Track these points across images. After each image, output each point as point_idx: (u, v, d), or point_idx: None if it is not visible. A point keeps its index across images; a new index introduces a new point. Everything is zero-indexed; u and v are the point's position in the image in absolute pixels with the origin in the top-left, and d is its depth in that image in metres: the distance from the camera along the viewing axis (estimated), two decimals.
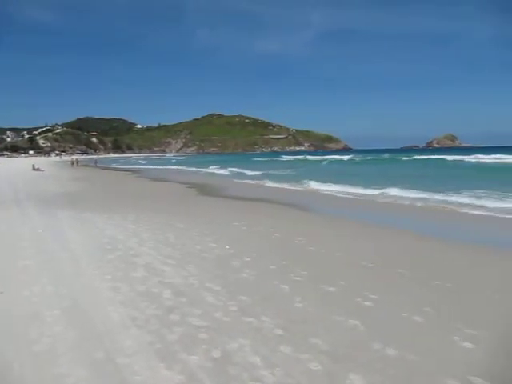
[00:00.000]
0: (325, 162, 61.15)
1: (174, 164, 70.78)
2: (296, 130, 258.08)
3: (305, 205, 16.50)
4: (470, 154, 62.72)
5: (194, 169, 52.19)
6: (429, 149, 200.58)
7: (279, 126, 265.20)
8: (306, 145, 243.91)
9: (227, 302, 5.55)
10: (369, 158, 72.18)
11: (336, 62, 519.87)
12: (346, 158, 74.28)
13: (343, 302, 5.63)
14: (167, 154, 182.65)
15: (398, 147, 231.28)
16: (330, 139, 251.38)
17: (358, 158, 66.05)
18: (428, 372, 3.89)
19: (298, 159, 78.60)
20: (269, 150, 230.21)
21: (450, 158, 58.45)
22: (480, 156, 57.07)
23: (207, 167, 52.76)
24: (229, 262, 7.51)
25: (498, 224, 11.93)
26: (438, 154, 73.43)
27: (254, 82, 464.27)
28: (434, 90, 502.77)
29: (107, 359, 4.15)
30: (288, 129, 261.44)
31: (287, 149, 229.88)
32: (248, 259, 7.71)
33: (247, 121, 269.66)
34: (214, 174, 41.64)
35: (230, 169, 45.75)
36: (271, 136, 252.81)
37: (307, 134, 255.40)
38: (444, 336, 4.61)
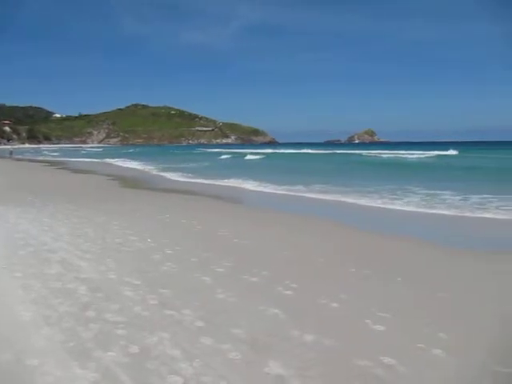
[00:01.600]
0: (225, 156, 58.46)
1: (85, 156, 65.18)
2: (223, 123, 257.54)
3: (228, 197, 16.56)
4: (381, 149, 67.01)
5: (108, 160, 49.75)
6: (351, 143, 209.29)
7: (206, 118, 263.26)
8: (232, 138, 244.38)
9: (147, 296, 5.42)
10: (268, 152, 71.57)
11: (263, 56, 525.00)
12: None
13: (265, 291, 5.72)
14: (83, 145, 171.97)
15: (322, 141, 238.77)
16: (256, 132, 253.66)
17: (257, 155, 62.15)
18: (343, 355, 4.05)
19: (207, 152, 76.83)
20: (195, 142, 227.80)
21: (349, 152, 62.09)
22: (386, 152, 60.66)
23: (116, 159, 50.73)
24: (150, 256, 7.33)
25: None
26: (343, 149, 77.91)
27: (180, 72, 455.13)
28: (358, 85, 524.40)
29: (15, 361, 3.88)
30: (215, 121, 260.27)
31: (214, 141, 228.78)
32: (170, 252, 7.59)
33: (173, 112, 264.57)
34: (115, 166, 39.77)
35: (133, 161, 44.54)
36: (198, 128, 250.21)
37: (234, 127, 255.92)
38: (358, 320, 4.83)
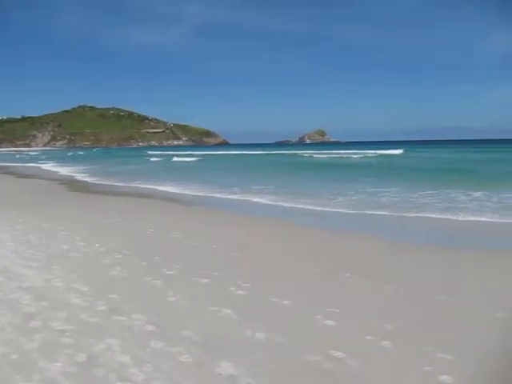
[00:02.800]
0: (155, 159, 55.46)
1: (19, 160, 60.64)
2: (174, 124, 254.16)
3: (175, 199, 16.38)
4: (327, 149, 68.57)
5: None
6: (301, 143, 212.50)
7: (156, 119, 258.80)
8: (184, 139, 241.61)
9: (95, 302, 5.26)
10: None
11: (214, 56, 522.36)
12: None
13: (217, 292, 5.70)
14: (24, 149, 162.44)
15: (274, 141, 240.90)
16: (208, 134, 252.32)
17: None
18: (294, 351, 4.10)
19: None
20: (146, 144, 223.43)
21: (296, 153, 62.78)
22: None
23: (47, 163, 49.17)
24: (98, 261, 7.13)
25: None
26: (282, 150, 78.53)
27: (130, 73, 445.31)
28: (309, 86, 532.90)
29: None
30: (165, 123, 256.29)
31: (165, 143, 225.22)
32: (119, 256, 7.41)
33: (122, 114, 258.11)
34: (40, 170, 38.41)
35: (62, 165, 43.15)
36: (148, 130, 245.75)
37: (185, 129, 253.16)
38: (309, 316, 4.91)
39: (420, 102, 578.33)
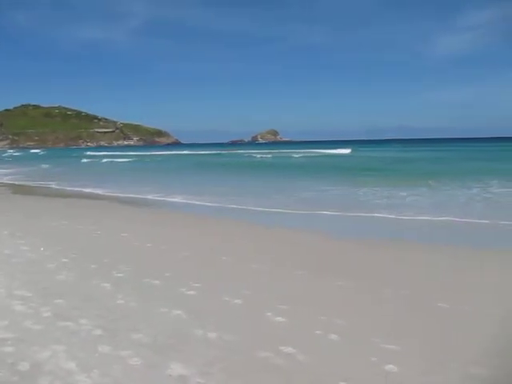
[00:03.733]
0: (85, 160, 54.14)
1: None
2: (124, 124, 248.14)
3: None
4: (276, 149, 69.35)
5: None
6: (254, 143, 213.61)
7: (105, 119, 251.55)
8: (135, 139, 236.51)
9: (39, 309, 5.06)
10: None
11: (165, 54, 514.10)
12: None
13: (167, 293, 5.64)
14: None
15: (227, 141, 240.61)
16: (160, 133, 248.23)
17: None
18: (244, 348, 4.13)
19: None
20: (95, 144, 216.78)
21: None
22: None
23: None
24: (43, 265, 6.86)
25: None
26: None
27: (76, 70, 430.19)
28: (261, 87, 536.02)
29: None
30: (115, 122, 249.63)
31: (115, 143, 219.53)
32: (66, 260, 7.17)
33: (69, 113, 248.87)
34: None
35: None
36: (97, 130, 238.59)
37: (136, 128, 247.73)
38: (260, 314, 4.96)
39: (370, 102, 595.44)
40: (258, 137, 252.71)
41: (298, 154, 53.34)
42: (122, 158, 52.85)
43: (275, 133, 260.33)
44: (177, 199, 15.94)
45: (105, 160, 51.11)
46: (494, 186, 17.79)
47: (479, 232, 10.17)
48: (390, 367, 3.79)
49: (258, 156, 53.41)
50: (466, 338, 4.41)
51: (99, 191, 19.20)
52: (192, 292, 5.66)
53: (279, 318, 4.81)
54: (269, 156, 52.55)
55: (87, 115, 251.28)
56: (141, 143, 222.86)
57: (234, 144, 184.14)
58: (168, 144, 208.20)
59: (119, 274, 6.38)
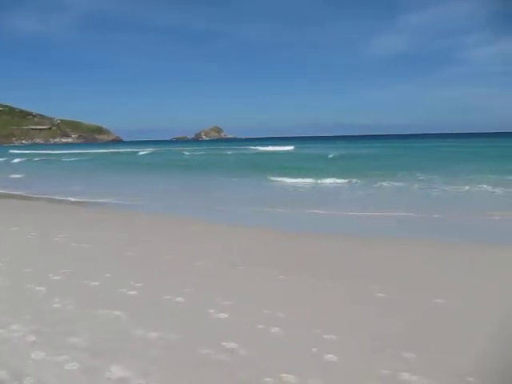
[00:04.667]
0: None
1: None
2: (62, 121, 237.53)
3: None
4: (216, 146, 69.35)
5: None
6: (197, 140, 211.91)
7: (41, 115, 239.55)
8: (73, 136, 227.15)
9: None
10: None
11: (105, 49, 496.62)
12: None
13: (107, 294, 5.48)
14: None
15: (170, 138, 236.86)
16: (100, 130, 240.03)
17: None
18: (186, 346, 4.09)
19: None
20: (30, 142, 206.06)
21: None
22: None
23: None
24: None
25: None
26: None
27: (9, 64, 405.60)
28: (206, 83, 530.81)
29: None
30: (52, 119, 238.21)
31: (52, 141, 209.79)
32: None
33: (1, 109, 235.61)
34: None
35: None
36: (32, 127, 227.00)
37: (75, 125, 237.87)
38: (202, 311, 4.94)
39: (314, 98, 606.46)
40: (202, 134, 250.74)
41: (232, 150, 53.41)
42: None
43: (219, 130, 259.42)
44: (106, 200, 15.41)
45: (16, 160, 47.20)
46: (420, 181, 18.99)
47: (405, 223, 10.69)
48: (329, 356, 3.90)
49: (187, 154, 53.10)
50: (400, 324, 4.63)
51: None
52: (133, 292, 5.54)
53: (222, 315, 4.82)
54: (200, 154, 52.18)
55: (21, 111, 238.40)
56: (80, 140, 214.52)
57: (178, 141, 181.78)
58: (108, 141, 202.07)
59: (56, 277, 6.13)
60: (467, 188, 16.46)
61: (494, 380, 3.55)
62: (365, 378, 3.57)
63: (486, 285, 5.96)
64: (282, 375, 3.60)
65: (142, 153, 56.32)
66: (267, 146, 63.89)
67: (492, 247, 8.07)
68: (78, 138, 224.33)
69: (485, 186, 16.54)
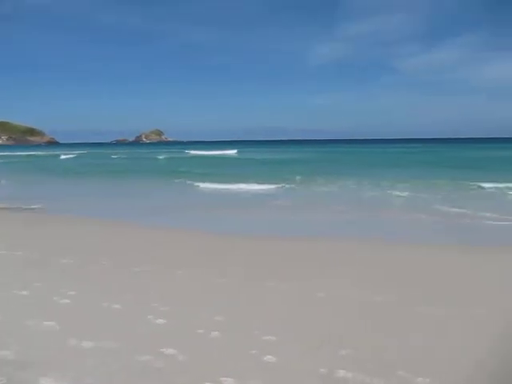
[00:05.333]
0: None
1: None
2: None
3: None
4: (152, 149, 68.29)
5: None
6: (138, 143, 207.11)
7: None
8: (3, 138, 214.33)
9: None
10: None
11: (37, 47, 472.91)
12: None
13: (38, 304, 5.20)
14: None
15: (109, 140, 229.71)
16: (32, 132, 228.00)
17: None
18: (123, 354, 3.97)
19: None
20: None
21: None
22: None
23: None
24: None
25: None
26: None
27: None
28: (147, 85, 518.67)
29: None
30: None
31: None
32: None
33: None
34: None
35: None
36: None
37: (5, 126, 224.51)
38: (140, 317, 4.82)
39: (255, 102, 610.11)
40: (143, 136, 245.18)
41: (164, 154, 52.66)
42: None
43: (160, 133, 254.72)
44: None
45: None
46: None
47: (324, 224, 11.09)
48: (268, 358, 3.93)
49: (114, 157, 52.14)
50: (339, 323, 4.76)
51: None
52: (66, 301, 5.30)
53: (160, 320, 4.73)
54: (125, 157, 51.23)
55: None
56: (11, 142, 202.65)
57: (118, 144, 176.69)
58: (42, 143, 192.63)
59: None
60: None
61: (422, 370, 3.74)
62: (303, 377, 3.64)
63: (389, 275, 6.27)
64: (222, 379, 3.59)
65: (64, 156, 54.27)
66: (209, 149, 63.77)
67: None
68: (7, 139, 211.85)
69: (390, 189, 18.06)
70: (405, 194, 16.93)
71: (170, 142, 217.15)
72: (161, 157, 50.25)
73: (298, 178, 22.78)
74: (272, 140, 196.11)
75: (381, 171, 26.45)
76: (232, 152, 60.44)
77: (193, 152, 59.34)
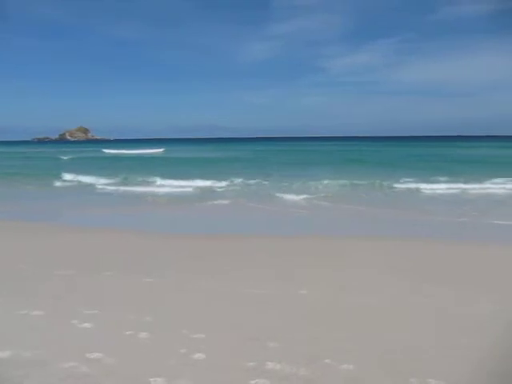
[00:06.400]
0: None
1: None
2: None
3: None
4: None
5: None
6: (62, 141, 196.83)
7: None
8: None
9: None
10: None
11: None
12: None
13: None
14: None
15: (30, 138, 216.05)
16: None
17: None
18: (46, 363, 3.78)
19: None
20: None
21: None
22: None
23: None
24: None
25: None
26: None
27: None
28: (68, 82, 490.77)
29: None
30: None
31: None
32: None
33: None
34: None
35: None
36: None
37: None
38: (64, 322, 4.63)
39: (186, 100, 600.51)
40: (67, 134, 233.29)
41: (67, 155, 50.19)
42: None
43: (86, 130, 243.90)
44: None
45: None
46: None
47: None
48: (198, 355, 3.94)
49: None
50: (267, 317, 4.87)
51: None
52: None
53: (86, 324, 4.57)
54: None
55: None
56: None
57: (39, 142, 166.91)
58: None
59: None
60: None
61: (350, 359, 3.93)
62: (232, 372, 3.69)
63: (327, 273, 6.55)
64: (151, 379, 3.55)
65: None
66: (136, 148, 61.78)
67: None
68: None
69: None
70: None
71: (97, 140, 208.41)
72: (65, 157, 47.46)
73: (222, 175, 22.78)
74: (207, 138, 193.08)
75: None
76: (158, 151, 58.68)
77: (113, 151, 56.78)
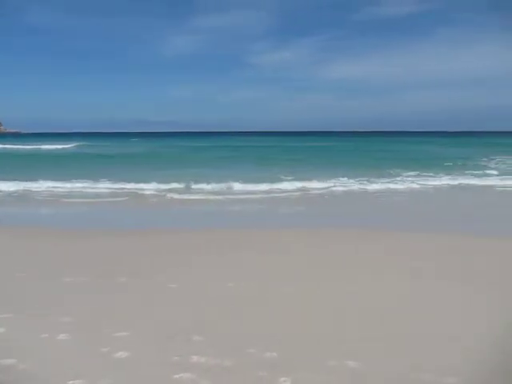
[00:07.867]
0: None
1: None
2: None
3: None
4: None
5: None
6: None
7: None
8: None
9: None
10: None
11: None
12: None
13: None
14: None
15: None
16: None
17: None
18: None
19: None
20: None
21: None
22: None
23: None
24: None
25: None
26: None
27: None
28: None
29: None
30: None
31: None
32: None
33: None
34: None
35: None
36: None
37: None
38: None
39: (112, 94, 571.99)
40: None
41: None
42: None
43: None
44: None
45: None
46: None
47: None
48: (120, 354, 3.85)
49: None
50: (191, 312, 4.87)
51: None
52: None
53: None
54: None
55: None
56: None
57: None
58: None
59: None
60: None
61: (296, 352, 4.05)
62: (156, 368, 3.66)
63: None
64: (70, 382, 3.41)
65: None
66: (46, 143, 57.09)
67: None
68: None
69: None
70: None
71: (8, 133, 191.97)
72: None
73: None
74: (129, 132, 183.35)
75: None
76: (67, 146, 53.87)
77: (8, 146, 51.33)
